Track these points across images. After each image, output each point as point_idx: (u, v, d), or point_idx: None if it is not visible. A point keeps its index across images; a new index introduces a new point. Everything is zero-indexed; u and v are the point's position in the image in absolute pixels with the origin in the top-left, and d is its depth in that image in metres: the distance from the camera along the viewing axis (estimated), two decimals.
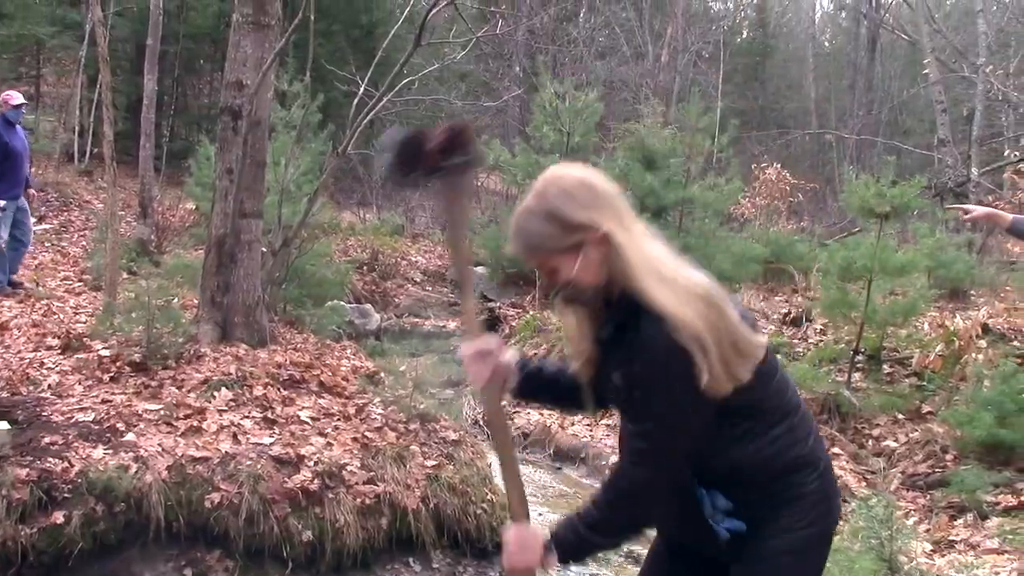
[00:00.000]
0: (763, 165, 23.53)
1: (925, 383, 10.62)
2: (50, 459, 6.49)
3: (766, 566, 2.41)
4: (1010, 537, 7.12)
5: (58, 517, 6.22)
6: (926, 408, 10.26)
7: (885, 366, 11.30)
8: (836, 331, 12.48)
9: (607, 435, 11.34)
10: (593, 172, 2.37)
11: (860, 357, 11.30)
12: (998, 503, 7.95)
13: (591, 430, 11.73)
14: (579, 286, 2.30)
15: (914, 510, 8.32)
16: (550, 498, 10.10)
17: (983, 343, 10.73)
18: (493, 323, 16.29)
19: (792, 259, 16.94)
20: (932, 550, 7.21)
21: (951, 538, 7.49)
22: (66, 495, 6.33)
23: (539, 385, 2.68)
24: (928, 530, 7.79)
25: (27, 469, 6.32)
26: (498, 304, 17.31)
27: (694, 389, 2.23)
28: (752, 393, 2.32)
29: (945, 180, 20.96)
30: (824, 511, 2.46)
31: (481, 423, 12.15)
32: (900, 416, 10.24)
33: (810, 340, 12.96)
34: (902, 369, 11.25)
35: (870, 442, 9.99)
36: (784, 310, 14.17)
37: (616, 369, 2.37)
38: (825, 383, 10.68)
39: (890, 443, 9.85)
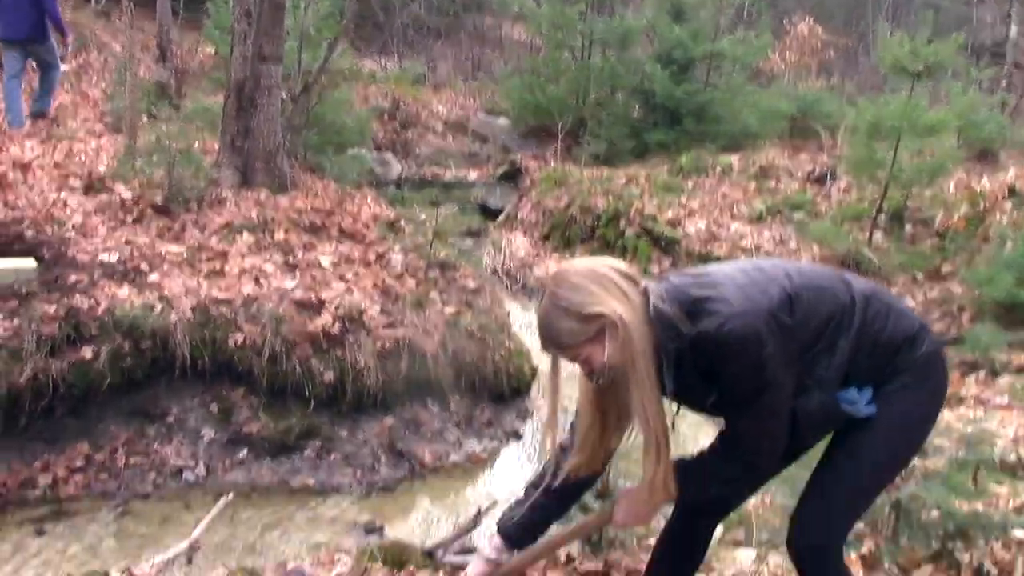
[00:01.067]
0: (795, 19, 22.87)
1: (947, 243, 10.57)
2: (77, 296, 6.62)
3: (895, 410, 2.52)
4: (1022, 394, 7.22)
5: (87, 352, 6.38)
6: (946, 268, 10.25)
7: (908, 226, 11.23)
8: (860, 190, 12.36)
9: None
10: (594, 261, 2.52)
11: (883, 217, 11.23)
12: (1010, 362, 8.03)
13: None
14: (614, 367, 2.44)
15: None
16: None
17: (1009, 205, 10.62)
18: (514, 175, 16.21)
19: (820, 116, 16.63)
20: None
21: (961, 394, 7.59)
22: (93, 331, 6.48)
23: (532, 530, 2.84)
24: None
25: (55, 306, 6.46)
26: (520, 155, 17.17)
27: (772, 352, 2.37)
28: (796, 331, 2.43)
29: (983, 39, 20.31)
30: (935, 368, 2.59)
31: (500, 273, 12.28)
32: (919, 276, 10.24)
33: (833, 199, 12.86)
34: (924, 229, 11.19)
35: None
36: (809, 168, 14.01)
37: (706, 389, 2.50)
38: (846, 241, 10.65)
39: (908, 302, 9.88)
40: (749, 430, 2.48)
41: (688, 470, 2.60)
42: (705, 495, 2.74)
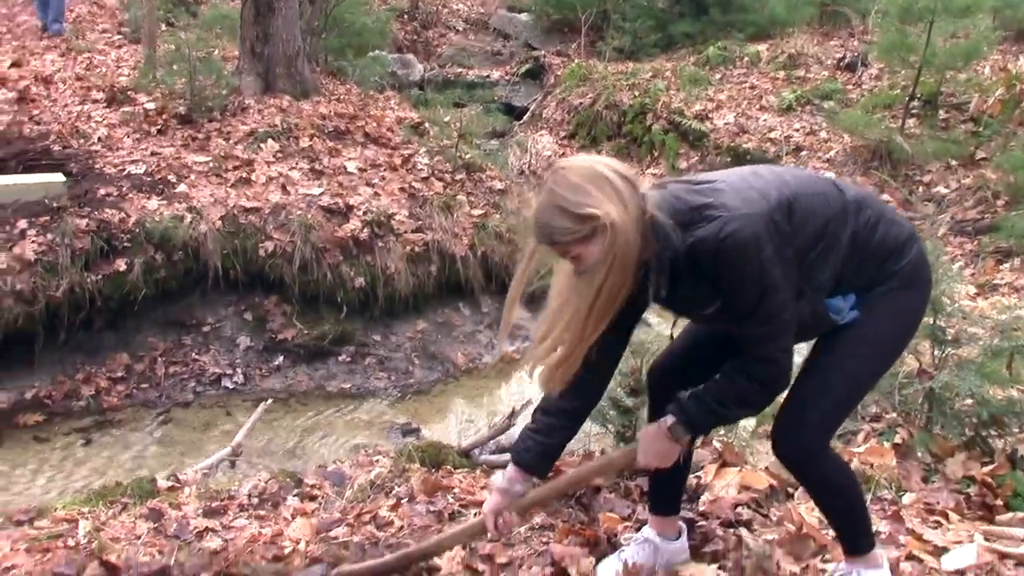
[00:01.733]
0: None
1: (981, 129, 10.33)
2: (107, 210, 6.65)
3: (877, 316, 2.53)
4: None
5: (120, 265, 6.45)
6: (980, 154, 10.05)
7: (941, 112, 10.98)
8: (892, 76, 12.06)
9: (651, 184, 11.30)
10: (595, 160, 2.46)
11: (915, 103, 10.97)
12: None
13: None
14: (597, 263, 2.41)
15: (960, 255, 8.33)
16: None
17: None
18: (537, 72, 15.95)
19: (849, 1, 16.16)
20: (976, 293, 7.27)
21: (995, 282, 7.53)
22: (126, 244, 6.54)
23: (550, 455, 2.81)
24: (973, 274, 7.83)
25: (86, 219, 6.50)
26: (543, 52, 16.86)
27: (772, 256, 2.36)
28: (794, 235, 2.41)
29: None
30: (920, 274, 2.60)
31: (526, 173, 12.20)
32: (953, 162, 10.05)
33: (864, 86, 12.57)
34: (958, 115, 10.93)
35: (920, 188, 9.88)
36: (839, 55, 13.67)
37: (707, 297, 2.47)
38: (878, 129, 10.44)
39: (940, 189, 9.73)
40: (755, 339, 2.46)
41: (700, 398, 2.59)
42: (721, 420, 2.73)
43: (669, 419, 2.60)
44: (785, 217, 2.39)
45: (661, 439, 2.63)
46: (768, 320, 2.42)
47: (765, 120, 11.66)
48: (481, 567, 2.97)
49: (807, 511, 3.26)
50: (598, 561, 3.00)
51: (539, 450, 2.75)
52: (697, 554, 3.07)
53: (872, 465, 3.74)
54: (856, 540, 2.72)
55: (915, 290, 2.60)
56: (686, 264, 2.39)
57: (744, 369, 2.51)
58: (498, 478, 2.88)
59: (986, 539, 3.14)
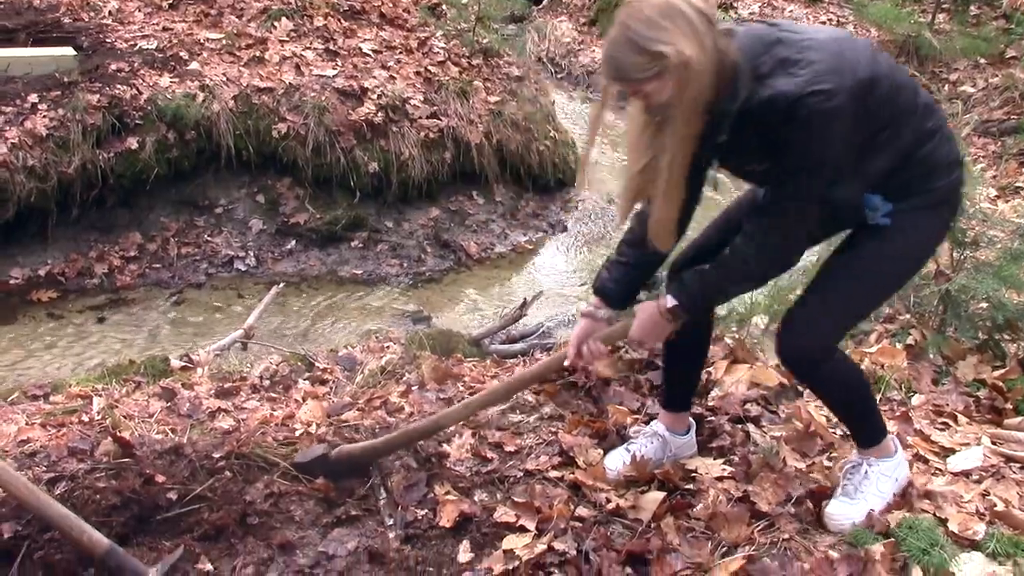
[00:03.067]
0: None
1: (1013, 26, 10.04)
2: (119, 86, 6.55)
3: (905, 233, 2.48)
4: None
5: (132, 143, 6.39)
6: (1011, 53, 9.78)
7: (972, 7, 10.66)
8: None
9: None
10: None
11: None
12: None
13: None
14: (670, 108, 2.29)
15: (983, 156, 8.19)
16: (614, 137, 10.08)
17: None
18: None
19: None
20: (996, 196, 7.18)
21: (1017, 184, 7.43)
22: (138, 121, 6.46)
23: (629, 287, 2.77)
24: (995, 176, 7.71)
25: (97, 95, 6.41)
26: None
27: (840, 133, 2.26)
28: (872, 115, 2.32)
29: None
30: (954, 199, 2.54)
31: (544, 60, 11.96)
32: (982, 60, 9.80)
33: None
34: (990, 11, 10.62)
35: (946, 87, 9.67)
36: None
37: (760, 153, 2.37)
38: (907, 23, 10.16)
39: (967, 88, 9.52)
40: (783, 211, 2.39)
41: (704, 274, 2.54)
42: (720, 297, 2.69)
43: (669, 301, 2.55)
44: (867, 96, 2.28)
45: (656, 318, 2.59)
46: (806, 196, 2.35)
47: (791, 11, 11.36)
48: (490, 455, 3.00)
49: (815, 409, 3.27)
50: (606, 452, 3.02)
51: (620, 277, 2.73)
52: (704, 449, 3.09)
53: (883, 366, 3.74)
54: (866, 434, 2.73)
55: (944, 214, 2.54)
56: (753, 115, 2.29)
57: (758, 237, 2.43)
58: (583, 305, 2.89)
59: (993, 442, 3.16)
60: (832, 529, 2.67)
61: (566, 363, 2.82)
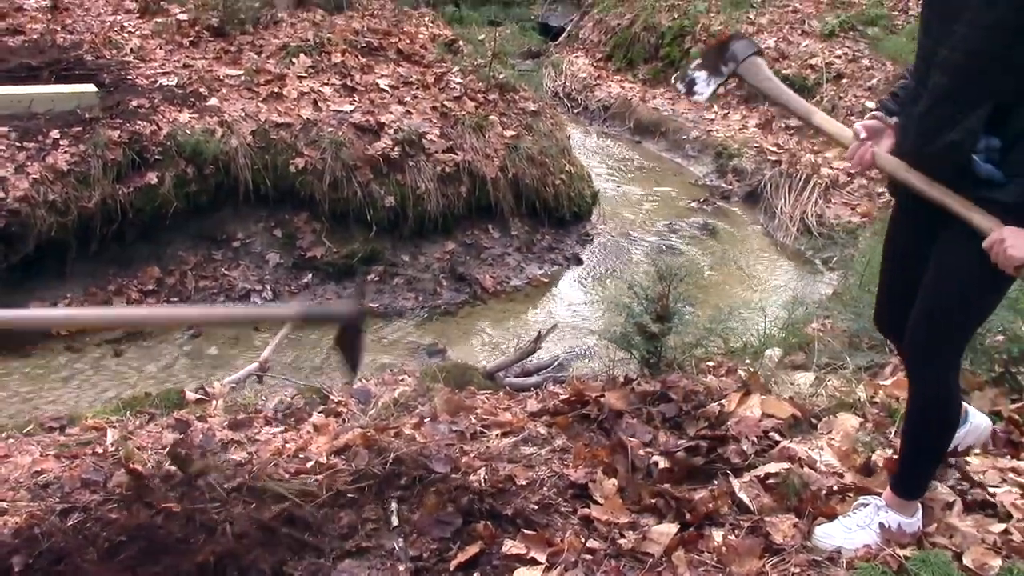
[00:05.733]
0: None
1: None
2: (139, 122, 6.64)
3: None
4: None
5: (151, 177, 6.46)
6: None
7: None
8: None
9: (688, 109, 11.14)
10: None
11: None
12: None
13: (672, 104, 11.52)
14: None
15: None
16: (630, 172, 10.13)
17: None
18: None
19: None
20: None
21: None
22: (157, 156, 6.53)
23: None
24: None
25: (118, 131, 6.49)
26: None
27: None
28: None
29: None
30: None
31: (561, 95, 12.02)
32: None
33: (911, 12, 12.21)
34: None
35: None
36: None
37: None
38: None
39: None
40: None
41: None
42: None
43: None
44: None
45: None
46: None
47: (806, 46, 11.39)
48: (502, 486, 2.99)
49: (825, 446, 3.25)
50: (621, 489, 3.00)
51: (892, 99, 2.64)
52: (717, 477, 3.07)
53: (898, 399, 3.71)
54: (908, 482, 2.69)
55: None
56: None
57: None
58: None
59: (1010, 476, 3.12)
60: (815, 543, 2.68)
61: (847, 152, 2.64)
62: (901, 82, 2.66)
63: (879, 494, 2.78)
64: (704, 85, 2.96)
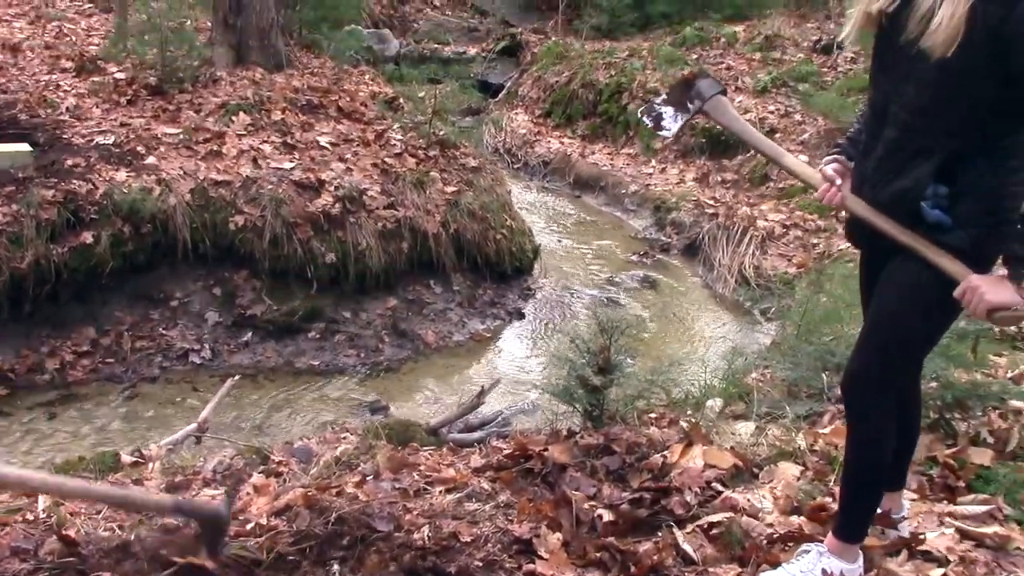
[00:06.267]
0: None
1: None
2: (74, 181, 6.56)
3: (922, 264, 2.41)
4: None
5: (87, 237, 6.36)
6: None
7: None
8: (867, 60, 12.07)
9: (627, 164, 11.32)
10: None
11: None
12: None
13: (611, 159, 11.69)
14: None
15: None
16: (570, 226, 10.23)
17: None
18: (514, 49, 15.89)
19: None
20: None
21: None
22: (93, 216, 6.45)
23: None
24: None
25: (52, 190, 6.40)
26: (520, 30, 16.79)
27: None
28: None
29: None
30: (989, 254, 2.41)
31: (501, 151, 12.14)
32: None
33: (840, 69, 12.60)
34: None
35: None
36: (815, 37, 13.70)
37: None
38: (852, 112, 10.46)
39: None
40: None
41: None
42: None
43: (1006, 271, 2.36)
44: None
45: (1005, 285, 2.32)
46: None
47: (740, 101, 11.67)
48: (446, 544, 2.96)
49: (767, 495, 3.27)
50: (565, 542, 2.99)
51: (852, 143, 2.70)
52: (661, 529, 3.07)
53: (837, 446, 3.76)
54: (847, 525, 2.72)
55: (977, 260, 2.39)
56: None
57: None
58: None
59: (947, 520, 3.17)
60: None
61: (817, 192, 2.70)
62: (855, 127, 2.74)
63: (821, 541, 2.80)
64: (671, 121, 3.00)
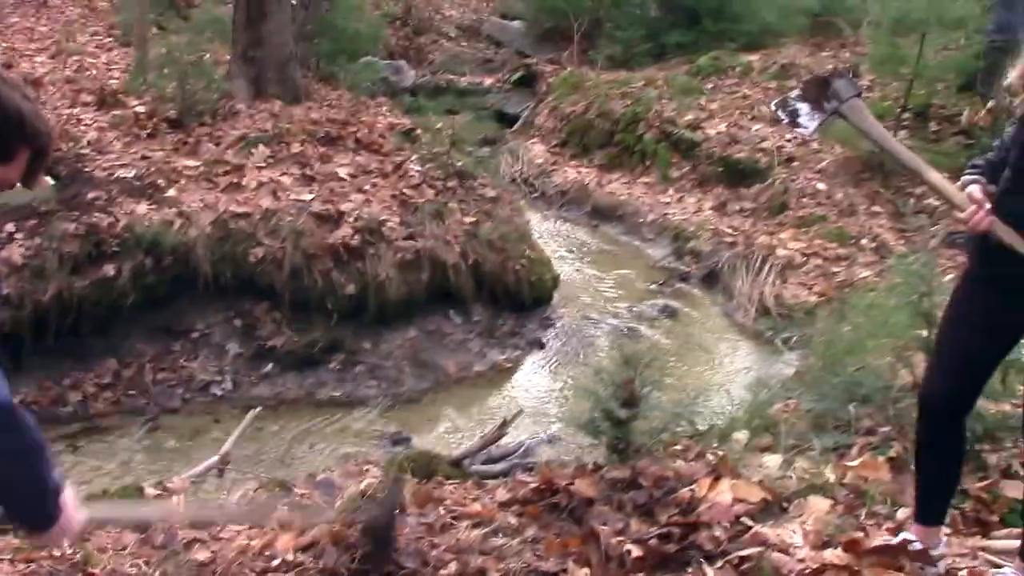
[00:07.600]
0: None
1: (973, 141, 10.35)
2: (96, 214, 6.60)
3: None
4: None
5: (108, 270, 6.40)
6: None
7: (932, 123, 10.98)
8: (884, 88, 12.06)
9: (644, 193, 11.31)
10: None
11: (907, 114, 10.98)
12: None
13: (628, 188, 11.69)
14: None
15: (952, 267, 8.32)
16: (588, 255, 10.21)
17: None
18: (530, 79, 15.94)
19: (842, 11, 16.17)
20: None
21: None
22: (115, 249, 6.49)
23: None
24: None
25: (74, 224, 6.45)
26: (535, 60, 16.85)
27: None
28: None
29: None
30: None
31: (518, 181, 12.17)
32: (945, 174, 10.04)
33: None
34: (950, 127, 10.93)
35: (912, 200, 9.87)
36: (831, 66, 13.69)
37: None
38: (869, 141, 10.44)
39: (932, 201, 9.72)
40: None
41: None
42: None
43: None
44: None
45: None
46: None
47: (757, 130, 11.66)
48: None
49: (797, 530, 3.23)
50: None
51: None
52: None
53: (866, 479, 3.72)
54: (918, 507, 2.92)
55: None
56: None
57: None
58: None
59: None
60: None
61: (964, 214, 2.74)
62: (989, 155, 2.83)
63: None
64: (808, 119, 2.97)
